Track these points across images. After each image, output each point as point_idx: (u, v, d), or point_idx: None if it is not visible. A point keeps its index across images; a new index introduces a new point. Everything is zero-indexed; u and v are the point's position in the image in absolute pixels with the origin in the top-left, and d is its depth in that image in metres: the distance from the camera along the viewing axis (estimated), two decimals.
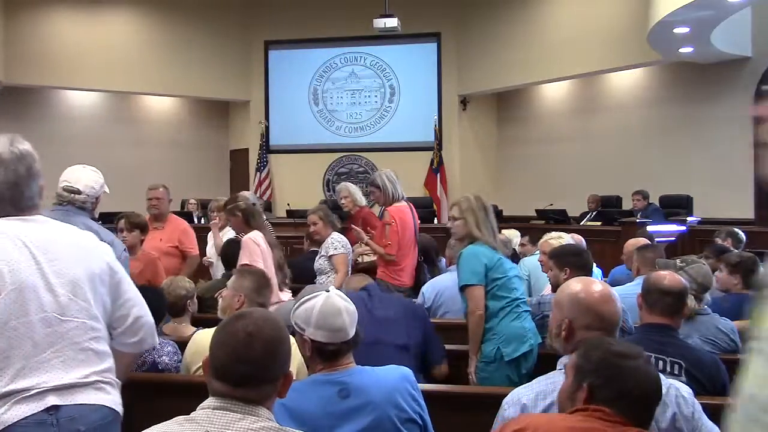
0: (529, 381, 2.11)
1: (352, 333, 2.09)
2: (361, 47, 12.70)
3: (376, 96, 12.81)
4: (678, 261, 3.35)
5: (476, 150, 12.81)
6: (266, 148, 12.81)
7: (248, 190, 12.87)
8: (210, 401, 1.49)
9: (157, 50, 12.24)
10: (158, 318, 3.30)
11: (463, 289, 3.36)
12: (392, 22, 9.78)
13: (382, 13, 10.02)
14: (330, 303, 2.07)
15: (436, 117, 12.28)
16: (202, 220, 9.57)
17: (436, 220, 10.70)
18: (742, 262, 3.92)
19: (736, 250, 4.83)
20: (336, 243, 5.08)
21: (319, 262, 5.11)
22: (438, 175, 12.10)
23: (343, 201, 5.86)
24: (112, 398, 1.96)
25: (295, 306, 2.13)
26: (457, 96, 12.52)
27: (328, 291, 2.12)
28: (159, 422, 1.49)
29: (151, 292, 3.30)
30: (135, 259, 4.25)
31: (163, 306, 3.35)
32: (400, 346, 3.10)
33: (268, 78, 13.01)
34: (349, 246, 5.22)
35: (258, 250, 4.31)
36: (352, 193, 5.84)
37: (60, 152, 11.80)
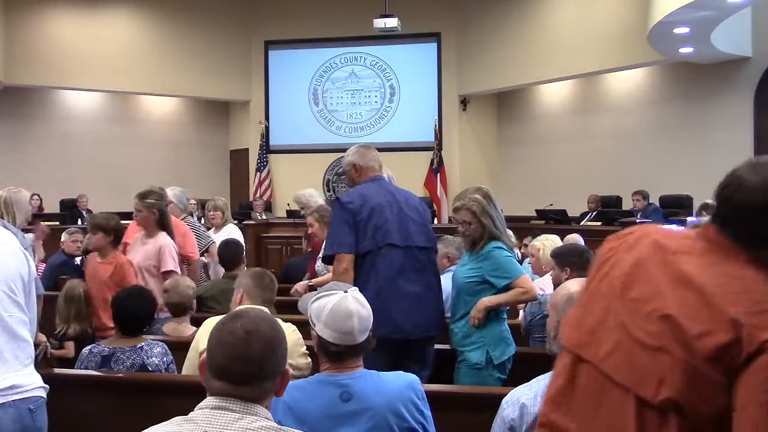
0: (513, 382, 2.11)
1: (360, 339, 2.04)
2: (361, 47, 12.70)
3: (376, 96, 12.80)
4: None
5: (476, 150, 12.80)
6: (266, 148, 12.81)
7: (247, 190, 12.94)
8: (208, 401, 1.48)
9: (157, 50, 12.23)
10: (148, 321, 3.29)
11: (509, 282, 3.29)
12: (392, 22, 9.78)
13: (382, 13, 10.03)
14: (342, 304, 2.03)
15: (436, 117, 12.27)
16: (202, 220, 9.55)
17: (436, 221, 10.69)
18: None
19: None
20: None
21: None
22: (438, 175, 12.08)
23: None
24: (40, 380, 2.26)
25: (314, 299, 2.11)
26: (457, 96, 12.51)
27: (346, 291, 2.07)
28: (157, 423, 1.48)
29: (144, 295, 3.30)
30: (105, 263, 4.08)
31: (153, 309, 3.33)
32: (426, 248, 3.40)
33: (268, 78, 13.00)
34: None
35: (179, 259, 4.37)
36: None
37: (60, 152, 11.88)
